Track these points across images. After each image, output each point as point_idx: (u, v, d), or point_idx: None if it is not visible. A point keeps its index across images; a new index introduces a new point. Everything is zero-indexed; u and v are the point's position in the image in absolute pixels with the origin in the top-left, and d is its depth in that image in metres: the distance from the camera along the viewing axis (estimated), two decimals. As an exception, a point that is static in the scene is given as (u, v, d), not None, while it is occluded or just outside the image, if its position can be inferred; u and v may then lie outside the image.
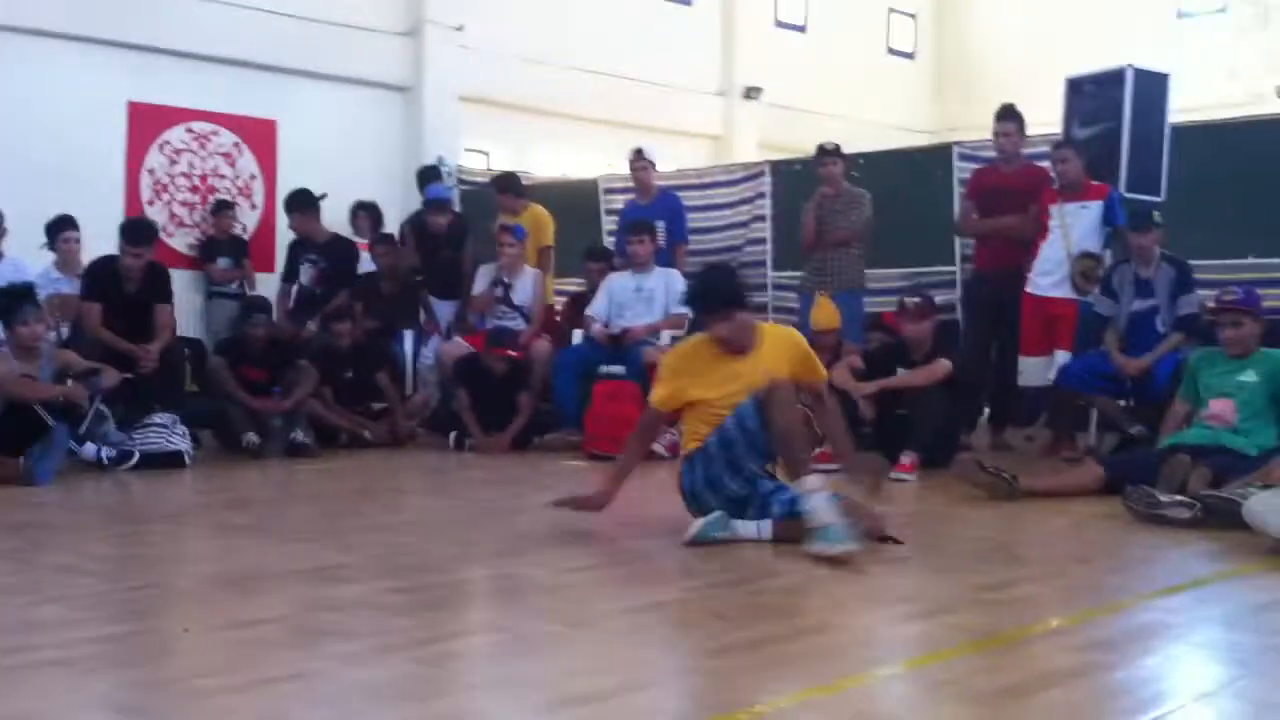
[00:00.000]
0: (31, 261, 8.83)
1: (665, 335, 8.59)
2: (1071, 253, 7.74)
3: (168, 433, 7.17)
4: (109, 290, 7.93)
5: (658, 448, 7.36)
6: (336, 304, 9.27)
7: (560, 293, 10.61)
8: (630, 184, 10.19)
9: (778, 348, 5.05)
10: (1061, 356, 7.73)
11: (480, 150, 13.60)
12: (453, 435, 8.50)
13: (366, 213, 10.91)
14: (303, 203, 9.86)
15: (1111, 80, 8.07)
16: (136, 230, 8.05)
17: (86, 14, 10.60)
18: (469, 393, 8.44)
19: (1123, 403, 7.60)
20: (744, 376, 4.90)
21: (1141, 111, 7.95)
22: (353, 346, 8.84)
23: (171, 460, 7.07)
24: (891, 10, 18.37)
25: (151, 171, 11.20)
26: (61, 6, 10.48)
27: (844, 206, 8.92)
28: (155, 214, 11.05)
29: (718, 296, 5.05)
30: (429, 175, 11.15)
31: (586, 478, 6.44)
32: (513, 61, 13.38)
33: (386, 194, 12.11)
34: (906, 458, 6.83)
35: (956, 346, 8.15)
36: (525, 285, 9.21)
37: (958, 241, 9.38)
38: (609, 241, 10.49)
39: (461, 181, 12.46)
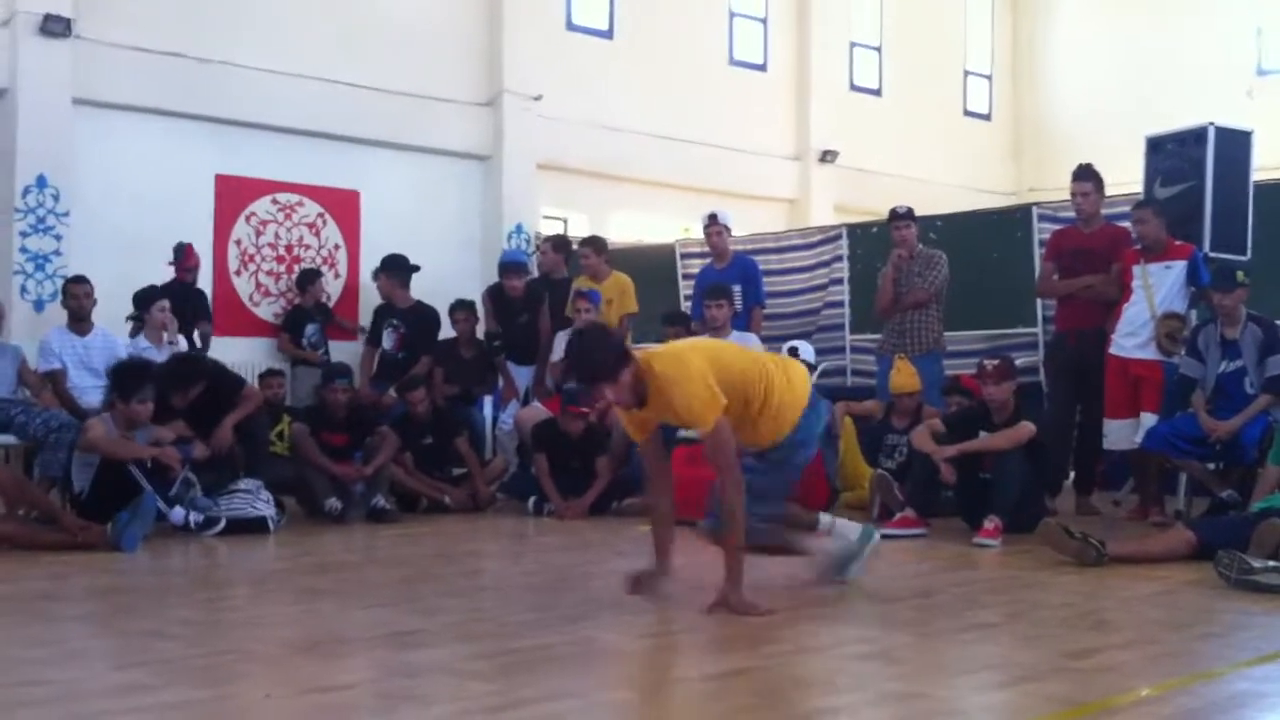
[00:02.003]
0: (119, 333, 9.02)
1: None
2: (1155, 313, 7.62)
3: (252, 498, 7.28)
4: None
5: None
6: (412, 373, 9.38)
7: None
8: (706, 248, 10.23)
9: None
10: (1148, 419, 7.58)
11: (558, 217, 13.74)
12: (531, 500, 8.52)
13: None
14: (395, 267, 10.17)
15: (1193, 139, 7.99)
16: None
17: (175, 90, 10.90)
18: (547, 458, 8.47)
19: (1211, 466, 7.43)
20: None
21: (1224, 170, 7.85)
22: (432, 412, 8.92)
23: (256, 526, 7.16)
24: (967, 72, 18.37)
25: (238, 242, 11.46)
26: (151, 82, 10.79)
27: (920, 268, 8.89)
28: (242, 284, 11.41)
29: (593, 372, 4.76)
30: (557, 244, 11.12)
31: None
32: (589, 129, 13.56)
33: (466, 261, 12.31)
34: (990, 523, 6.72)
35: (1039, 409, 8.03)
36: (603, 350, 9.22)
37: (1039, 303, 9.28)
38: (686, 306, 10.52)
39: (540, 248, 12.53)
